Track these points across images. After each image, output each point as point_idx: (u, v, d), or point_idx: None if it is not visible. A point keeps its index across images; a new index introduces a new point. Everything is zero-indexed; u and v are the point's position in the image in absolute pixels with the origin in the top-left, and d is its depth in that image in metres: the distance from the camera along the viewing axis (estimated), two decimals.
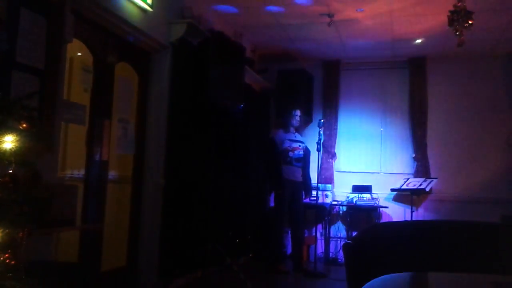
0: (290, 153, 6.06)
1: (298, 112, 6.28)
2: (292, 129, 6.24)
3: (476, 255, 2.44)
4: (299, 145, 6.17)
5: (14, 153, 1.97)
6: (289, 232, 6.27)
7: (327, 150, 7.22)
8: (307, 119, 7.31)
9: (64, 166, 4.40)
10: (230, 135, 5.95)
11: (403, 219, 6.69)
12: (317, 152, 5.99)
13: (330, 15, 5.55)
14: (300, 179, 6.12)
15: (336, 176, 7.30)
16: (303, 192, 6.16)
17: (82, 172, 4.04)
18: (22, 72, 2.95)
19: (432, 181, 6.56)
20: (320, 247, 6.84)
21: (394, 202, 7.01)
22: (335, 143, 7.32)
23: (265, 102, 7.37)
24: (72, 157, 4.44)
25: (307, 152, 6.27)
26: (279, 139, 6.14)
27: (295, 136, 6.24)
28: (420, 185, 6.47)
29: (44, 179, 2.14)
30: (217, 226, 5.50)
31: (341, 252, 6.76)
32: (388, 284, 1.83)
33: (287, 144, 6.09)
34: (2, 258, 1.88)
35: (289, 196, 5.99)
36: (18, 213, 1.94)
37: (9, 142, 1.96)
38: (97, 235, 4.07)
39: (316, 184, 6.08)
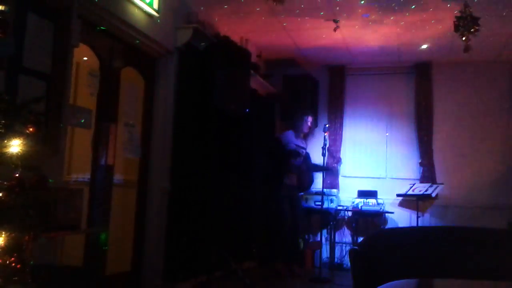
0: (293, 160, 6.08)
1: (309, 118, 6.26)
2: (301, 134, 6.25)
3: (482, 261, 2.42)
4: (302, 151, 6.21)
5: (21, 157, 1.98)
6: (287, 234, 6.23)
7: (333, 155, 7.20)
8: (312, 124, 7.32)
9: (69, 170, 4.43)
10: (235, 140, 5.94)
11: (409, 225, 6.65)
12: (322, 157, 5.98)
13: (335, 21, 5.55)
14: (295, 183, 6.19)
15: (341, 181, 7.28)
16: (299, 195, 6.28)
17: (87, 176, 4.05)
18: (29, 76, 2.96)
19: (438, 186, 6.53)
20: (325, 253, 6.81)
21: (399, 207, 6.98)
22: (340, 148, 7.30)
23: (270, 107, 7.37)
24: (78, 161, 4.46)
25: (307, 156, 6.33)
26: (286, 140, 6.12)
27: (302, 142, 6.24)
28: (426, 190, 6.43)
29: (50, 183, 2.14)
30: (222, 230, 5.49)
31: (346, 258, 6.73)
32: None
33: (293, 147, 6.10)
34: (8, 262, 1.89)
35: (289, 202, 6.03)
36: (24, 217, 1.95)
37: (16, 146, 1.97)
38: (102, 239, 4.07)
39: (321, 190, 6.07)
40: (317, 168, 6.40)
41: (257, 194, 6.64)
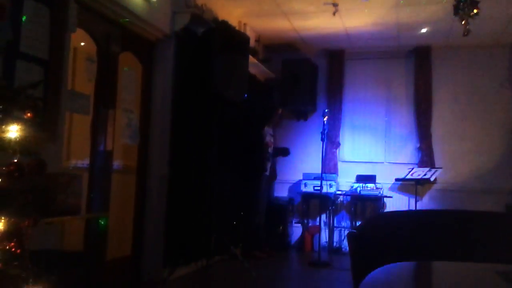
0: (270, 149, 6.36)
1: (280, 111, 6.69)
2: (271, 124, 6.57)
3: (480, 244, 2.43)
4: (272, 140, 6.52)
5: (19, 142, 1.97)
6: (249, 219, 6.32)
7: (331, 139, 7.20)
8: (311, 109, 7.31)
9: (68, 156, 4.42)
10: (234, 125, 5.94)
11: (407, 209, 6.69)
12: (321, 142, 5.98)
13: (334, 4, 5.50)
14: (268, 173, 6.48)
15: (340, 166, 7.29)
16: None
17: (86, 161, 4.05)
18: (26, 61, 2.94)
19: (436, 170, 6.55)
20: (324, 237, 6.85)
21: (398, 191, 7.01)
22: (339, 132, 7.31)
23: (269, 92, 7.35)
24: (77, 147, 4.45)
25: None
26: (264, 132, 6.37)
27: (271, 131, 6.55)
28: (425, 174, 6.45)
29: (49, 168, 2.14)
30: (221, 215, 5.51)
31: (345, 242, 6.78)
32: (392, 273, 1.84)
33: (268, 138, 6.35)
34: (8, 247, 1.90)
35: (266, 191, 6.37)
36: (24, 202, 1.95)
37: (14, 131, 1.97)
38: (102, 224, 4.09)
39: (320, 174, 6.09)
40: (278, 152, 6.80)
41: (255, 180, 6.66)
